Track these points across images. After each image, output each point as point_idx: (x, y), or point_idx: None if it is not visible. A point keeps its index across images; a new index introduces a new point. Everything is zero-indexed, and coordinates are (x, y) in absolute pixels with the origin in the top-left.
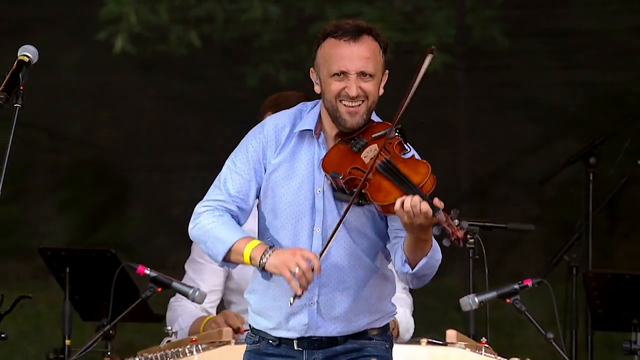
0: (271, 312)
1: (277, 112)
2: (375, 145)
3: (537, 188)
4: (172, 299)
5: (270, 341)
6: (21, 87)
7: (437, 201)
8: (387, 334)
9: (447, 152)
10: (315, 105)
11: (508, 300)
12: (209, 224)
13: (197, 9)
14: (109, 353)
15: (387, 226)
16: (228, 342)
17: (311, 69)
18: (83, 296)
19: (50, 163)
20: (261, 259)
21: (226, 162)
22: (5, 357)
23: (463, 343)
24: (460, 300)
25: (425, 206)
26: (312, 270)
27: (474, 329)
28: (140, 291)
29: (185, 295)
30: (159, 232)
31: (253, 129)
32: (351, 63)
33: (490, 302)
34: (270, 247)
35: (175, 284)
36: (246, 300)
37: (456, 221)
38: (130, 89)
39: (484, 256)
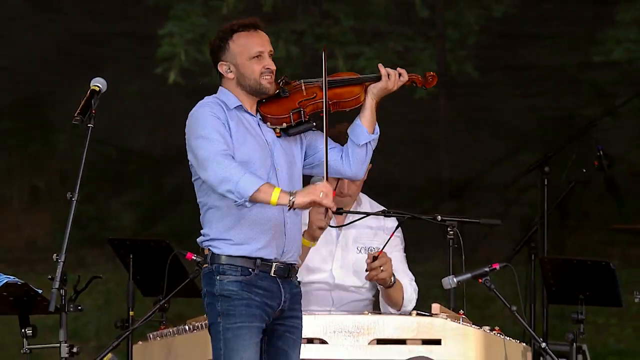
0: (255, 237)
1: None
2: (300, 83)
3: (503, 191)
4: None
5: (250, 269)
6: (93, 111)
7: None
8: None
9: (431, 163)
10: (220, 94)
11: (480, 280)
12: (237, 167)
13: None
14: (164, 322)
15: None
16: None
17: (220, 62)
18: (143, 277)
19: (117, 171)
20: (290, 201)
21: (197, 134)
22: (83, 325)
23: (445, 314)
24: (442, 280)
25: (400, 69)
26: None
27: (454, 303)
28: (189, 272)
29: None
30: None
31: (199, 112)
32: (264, 46)
33: (466, 282)
34: (291, 193)
35: None
36: (222, 240)
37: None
38: (180, 112)
39: (461, 245)
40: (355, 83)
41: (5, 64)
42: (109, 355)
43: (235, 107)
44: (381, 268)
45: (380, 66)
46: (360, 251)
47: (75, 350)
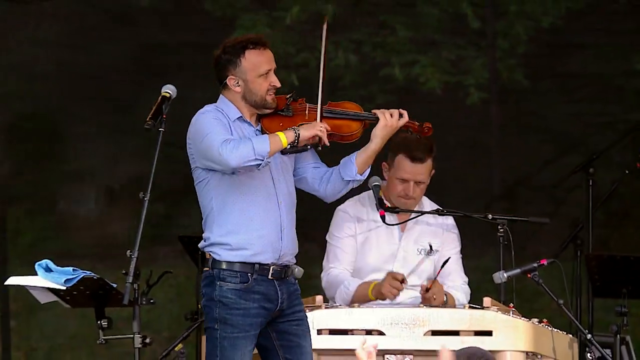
0: (254, 242)
1: (408, 151)
2: (304, 105)
3: (551, 191)
4: (323, 273)
5: (251, 275)
6: (164, 116)
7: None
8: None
9: (484, 165)
10: (220, 103)
11: (529, 275)
12: (242, 141)
13: (296, 57)
14: None
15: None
16: (319, 307)
17: (230, 76)
18: None
19: (186, 173)
20: (295, 135)
21: (203, 137)
22: (155, 317)
23: (496, 307)
24: (493, 275)
25: (401, 110)
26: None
27: (504, 297)
28: None
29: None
30: None
31: (202, 117)
32: (271, 64)
33: (516, 277)
34: (295, 128)
35: None
36: (221, 245)
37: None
38: None
39: (511, 242)
40: (355, 119)
41: (85, 71)
42: (180, 345)
43: (236, 119)
44: (434, 297)
45: (376, 111)
46: (420, 252)
47: (147, 340)
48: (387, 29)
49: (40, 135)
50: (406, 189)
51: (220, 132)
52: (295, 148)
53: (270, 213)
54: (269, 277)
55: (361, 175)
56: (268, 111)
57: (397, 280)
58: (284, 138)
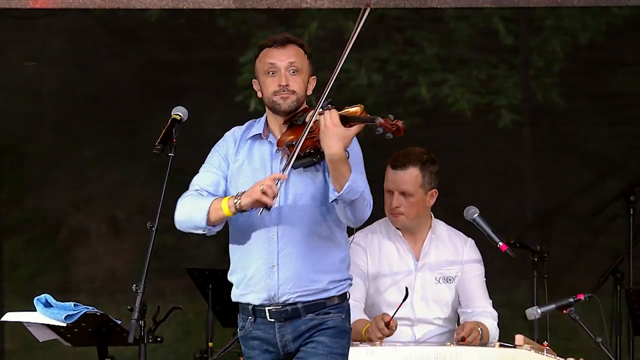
0: (241, 281)
1: (391, 158)
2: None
3: (589, 220)
4: None
5: (250, 318)
6: (174, 140)
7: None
8: (344, 304)
9: (516, 191)
10: (261, 118)
11: (565, 311)
12: (187, 201)
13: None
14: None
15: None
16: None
17: (254, 80)
18: (223, 307)
19: None
20: (235, 203)
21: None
22: (161, 357)
23: (528, 346)
24: (526, 311)
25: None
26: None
27: (537, 334)
28: None
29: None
30: None
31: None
32: (280, 60)
33: (550, 313)
34: (237, 195)
35: None
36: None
37: (391, 116)
38: None
39: (544, 275)
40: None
41: (90, 92)
42: None
43: (251, 137)
44: (469, 339)
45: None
46: (439, 281)
47: None
48: (413, 46)
49: (41, 160)
50: (392, 201)
51: (201, 174)
52: (298, 161)
53: (257, 247)
54: (268, 319)
55: (340, 191)
56: (285, 117)
57: (383, 323)
58: (225, 209)
